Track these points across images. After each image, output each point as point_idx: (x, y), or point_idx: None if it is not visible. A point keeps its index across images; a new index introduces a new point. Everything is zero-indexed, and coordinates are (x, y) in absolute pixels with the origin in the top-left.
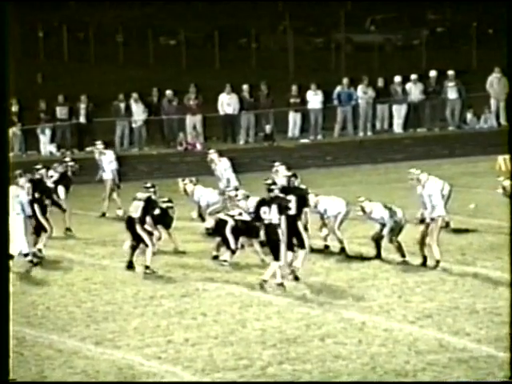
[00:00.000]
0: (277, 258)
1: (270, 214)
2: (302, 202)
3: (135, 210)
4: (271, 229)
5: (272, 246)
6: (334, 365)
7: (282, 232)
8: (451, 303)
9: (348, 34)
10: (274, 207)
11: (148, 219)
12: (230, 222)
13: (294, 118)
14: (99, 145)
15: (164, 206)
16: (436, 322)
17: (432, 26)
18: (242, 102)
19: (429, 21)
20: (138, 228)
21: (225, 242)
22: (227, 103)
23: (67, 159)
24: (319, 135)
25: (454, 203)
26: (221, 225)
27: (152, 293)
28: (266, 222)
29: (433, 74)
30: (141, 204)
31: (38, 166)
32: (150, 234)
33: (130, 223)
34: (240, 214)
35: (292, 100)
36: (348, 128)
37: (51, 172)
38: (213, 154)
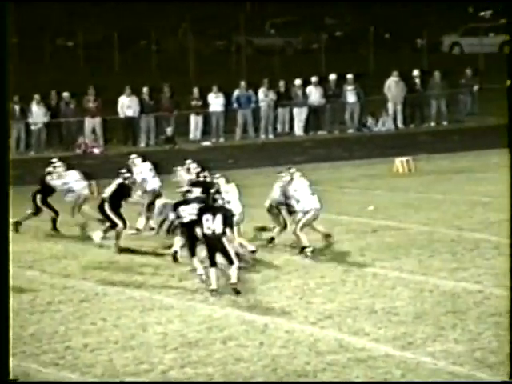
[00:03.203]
0: (232, 261)
1: (214, 224)
2: (227, 219)
3: (107, 192)
4: (215, 238)
5: (222, 253)
6: (235, 367)
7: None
8: (351, 304)
9: (248, 37)
10: (219, 217)
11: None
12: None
13: (195, 121)
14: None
15: None
16: (336, 322)
17: (331, 30)
18: (142, 104)
19: (328, 25)
20: (107, 208)
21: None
22: (127, 106)
23: None
24: (221, 138)
25: (354, 205)
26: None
27: (50, 298)
28: (208, 230)
29: (332, 77)
30: (113, 187)
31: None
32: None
33: (100, 204)
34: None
35: (193, 103)
36: (249, 131)
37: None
38: (136, 159)
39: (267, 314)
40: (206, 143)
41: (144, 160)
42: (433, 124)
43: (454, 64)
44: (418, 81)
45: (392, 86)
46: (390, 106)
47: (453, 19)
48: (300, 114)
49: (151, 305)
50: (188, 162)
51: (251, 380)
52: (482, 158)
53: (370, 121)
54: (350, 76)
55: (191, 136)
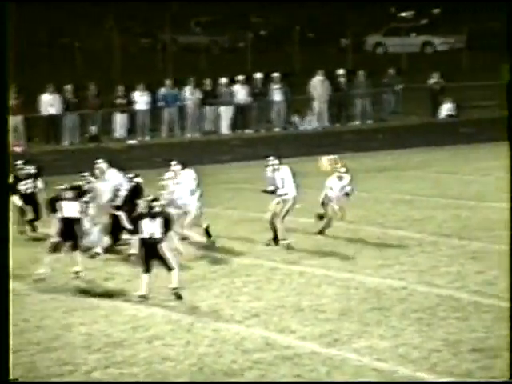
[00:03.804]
0: (170, 268)
1: (153, 228)
2: (168, 223)
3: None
4: (153, 244)
5: (160, 260)
6: (161, 367)
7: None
8: (278, 302)
9: (174, 35)
10: (159, 221)
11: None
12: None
13: (120, 119)
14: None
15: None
16: (263, 320)
17: (256, 28)
18: (66, 102)
19: (253, 24)
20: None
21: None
22: (50, 104)
23: None
24: (147, 136)
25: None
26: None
27: None
28: (147, 235)
29: (258, 76)
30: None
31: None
32: None
33: None
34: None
35: (118, 101)
36: (175, 129)
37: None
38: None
39: (193, 313)
40: (132, 141)
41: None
42: (357, 123)
43: (378, 63)
44: (342, 80)
45: (317, 85)
46: (316, 104)
47: (375, 19)
48: (226, 113)
49: (75, 305)
50: (99, 161)
51: (177, 380)
52: (405, 156)
53: (296, 119)
54: (276, 75)
55: (116, 134)
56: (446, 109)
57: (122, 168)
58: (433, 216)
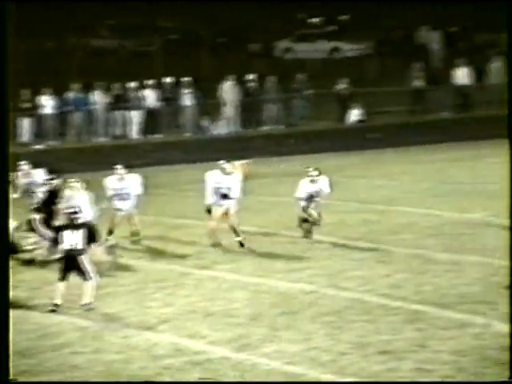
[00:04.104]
0: (87, 278)
1: (75, 239)
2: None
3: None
4: (74, 255)
5: (78, 271)
6: (69, 375)
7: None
8: (189, 307)
9: (81, 38)
10: (82, 232)
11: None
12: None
13: (26, 124)
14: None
15: None
16: (173, 326)
17: (166, 33)
18: None
19: (162, 28)
20: None
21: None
22: None
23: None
24: (54, 141)
25: (193, 208)
26: None
27: None
28: (68, 246)
29: (169, 80)
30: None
31: None
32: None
33: None
34: None
35: (24, 105)
36: (83, 134)
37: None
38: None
39: (102, 319)
40: (39, 146)
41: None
42: (268, 128)
43: (288, 69)
44: (253, 85)
45: (228, 89)
46: (227, 109)
47: (285, 25)
48: (136, 117)
49: None
50: (22, 163)
51: None
52: (315, 161)
53: (206, 124)
54: (186, 79)
55: (23, 139)
56: (354, 114)
57: (51, 169)
58: (343, 220)
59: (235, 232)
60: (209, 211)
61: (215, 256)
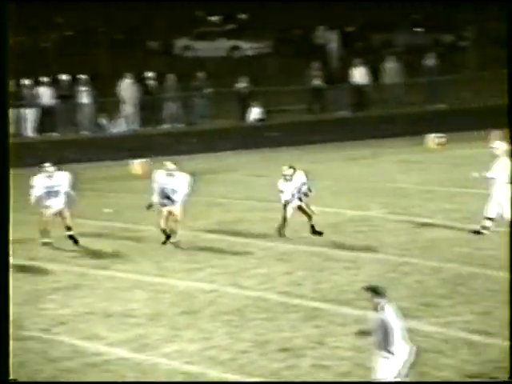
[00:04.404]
0: None
1: None
2: None
3: None
4: None
5: None
6: None
7: None
8: (86, 308)
9: None
10: None
11: None
12: None
13: None
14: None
15: None
16: (70, 328)
17: (61, 29)
18: None
19: (58, 24)
20: None
21: None
22: None
23: None
24: None
25: (91, 208)
26: None
27: None
28: None
29: (65, 77)
30: None
31: None
32: None
33: None
34: None
35: None
36: None
37: None
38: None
39: None
40: None
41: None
42: (168, 126)
43: (187, 67)
44: (152, 83)
45: (126, 87)
46: (125, 107)
47: (184, 23)
48: (31, 115)
49: None
50: None
51: None
52: (215, 159)
53: (104, 122)
54: (83, 77)
55: None
56: (254, 113)
57: None
58: (242, 218)
59: (174, 233)
60: (149, 206)
61: (113, 256)
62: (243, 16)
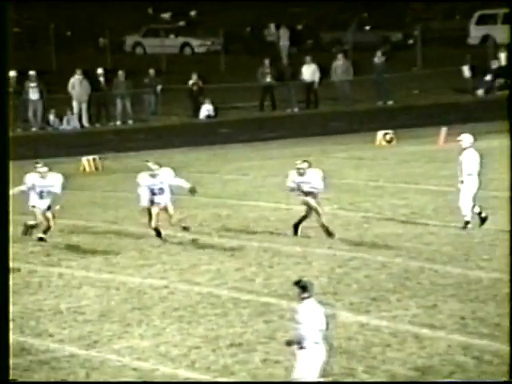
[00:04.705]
0: None
1: None
2: None
3: None
4: None
5: None
6: None
7: None
8: (35, 305)
9: None
10: None
11: None
12: None
13: None
14: None
15: None
16: (18, 325)
17: (9, 25)
18: None
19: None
20: None
21: None
22: None
23: None
24: None
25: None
26: None
27: None
28: None
29: (13, 74)
30: None
31: None
32: None
33: None
34: None
35: None
36: None
37: None
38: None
39: None
40: None
41: None
42: (118, 123)
43: (138, 64)
44: (102, 79)
45: (76, 84)
46: (75, 104)
47: (134, 20)
48: None
49: None
50: None
51: None
52: (166, 156)
53: (53, 119)
54: (31, 73)
55: None
56: (205, 109)
57: None
58: (194, 215)
59: (184, 228)
60: (144, 211)
61: (63, 253)
62: (193, 13)
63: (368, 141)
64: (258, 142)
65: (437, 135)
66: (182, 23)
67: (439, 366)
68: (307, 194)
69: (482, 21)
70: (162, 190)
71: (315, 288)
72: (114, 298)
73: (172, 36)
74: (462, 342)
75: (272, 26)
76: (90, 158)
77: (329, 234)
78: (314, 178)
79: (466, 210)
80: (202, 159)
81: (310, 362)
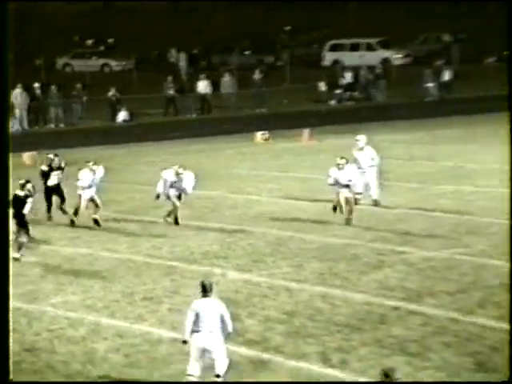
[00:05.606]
0: None
1: None
2: None
3: None
4: None
5: None
6: None
7: None
8: None
9: None
10: None
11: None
12: None
13: None
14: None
15: None
16: None
17: None
18: None
19: None
20: None
21: None
22: None
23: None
24: None
25: None
26: None
27: None
28: None
29: None
30: None
31: None
32: None
33: None
34: None
35: None
36: None
37: None
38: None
39: None
40: None
41: None
42: (52, 126)
43: (67, 80)
44: (38, 91)
45: (18, 95)
46: (17, 111)
47: (64, 45)
48: None
49: None
50: None
51: None
52: (92, 152)
53: None
54: None
55: None
56: (122, 115)
57: None
58: (113, 198)
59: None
60: (157, 197)
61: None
62: (111, 40)
63: (249, 139)
64: (164, 140)
65: (301, 135)
66: (102, 48)
67: (303, 311)
68: (344, 186)
69: (333, 48)
70: (181, 189)
71: (209, 254)
72: (50, 263)
73: (94, 58)
74: (320, 291)
75: (173, 51)
76: (29, 153)
77: None
78: (352, 174)
79: (374, 191)
80: (119, 154)
81: (192, 347)
